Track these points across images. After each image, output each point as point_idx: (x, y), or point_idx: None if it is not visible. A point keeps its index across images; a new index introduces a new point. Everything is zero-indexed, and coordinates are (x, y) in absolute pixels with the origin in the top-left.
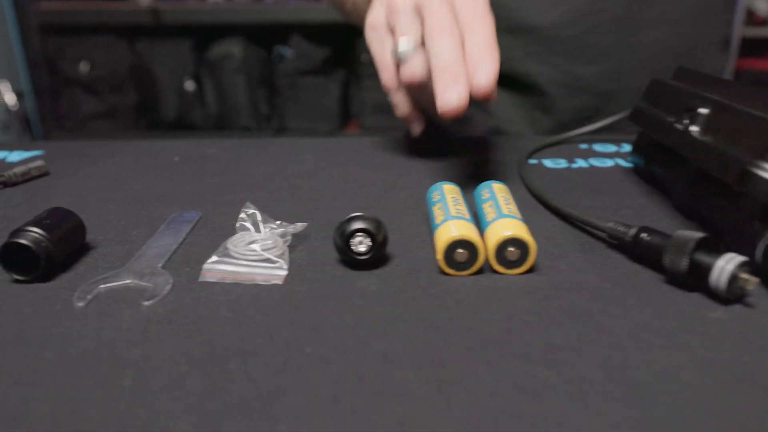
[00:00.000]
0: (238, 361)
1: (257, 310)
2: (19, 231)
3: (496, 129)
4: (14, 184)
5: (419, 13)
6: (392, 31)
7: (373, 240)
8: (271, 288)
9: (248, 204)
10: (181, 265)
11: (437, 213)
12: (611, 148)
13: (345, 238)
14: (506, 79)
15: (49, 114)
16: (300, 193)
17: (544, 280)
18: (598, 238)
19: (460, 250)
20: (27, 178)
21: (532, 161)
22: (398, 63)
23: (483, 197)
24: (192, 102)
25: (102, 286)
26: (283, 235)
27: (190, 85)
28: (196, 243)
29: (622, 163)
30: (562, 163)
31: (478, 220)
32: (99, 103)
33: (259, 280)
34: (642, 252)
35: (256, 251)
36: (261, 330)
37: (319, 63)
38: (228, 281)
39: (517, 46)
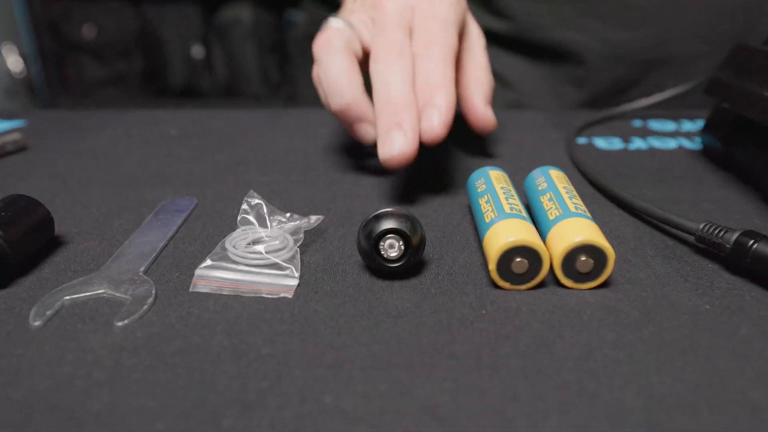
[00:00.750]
0: (236, 416)
1: (262, 337)
2: None
3: (517, 104)
4: None
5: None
6: None
7: (407, 243)
8: (279, 304)
9: (252, 192)
10: (169, 269)
11: (485, 208)
12: (670, 125)
13: (373, 240)
14: (532, 48)
15: (55, 80)
16: (315, 177)
17: (624, 298)
18: (680, 240)
19: (518, 259)
20: (1, 152)
21: (582, 140)
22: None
23: (539, 187)
24: (200, 69)
25: (67, 297)
26: (294, 233)
27: (198, 51)
28: (188, 239)
29: (686, 144)
30: (616, 143)
31: (534, 218)
32: (105, 69)
33: (264, 293)
34: (752, 265)
35: (260, 254)
36: (266, 367)
37: None
38: (225, 292)
39: (546, 11)
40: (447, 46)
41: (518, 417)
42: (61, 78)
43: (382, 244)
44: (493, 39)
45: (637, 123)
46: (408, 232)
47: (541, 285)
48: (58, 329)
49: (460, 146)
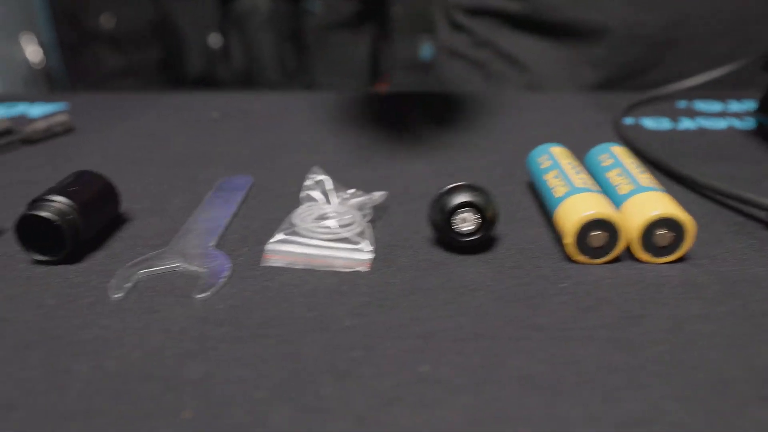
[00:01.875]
0: (333, 385)
1: (344, 309)
2: (39, 201)
3: (531, 86)
4: (34, 142)
5: None
6: None
7: (482, 217)
8: (355, 277)
9: (315, 168)
10: (237, 245)
11: (554, 183)
12: (716, 106)
13: (446, 214)
14: (549, 28)
15: (73, 70)
16: (366, 156)
17: (703, 272)
18: (749, 216)
19: (596, 233)
20: (49, 134)
21: (628, 120)
22: None
23: (602, 163)
24: (217, 57)
25: (142, 271)
26: (361, 208)
27: (215, 40)
28: (251, 216)
29: (737, 123)
30: (665, 123)
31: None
32: (122, 59)
33: (338, 266)
34: None
35: (331, 228)
36: (354, 338)
37: (348, 17)
38: (298, 266)
39: None
40: None
41: (620, 387)
42: (78, 68)
43: (455, 217)
44: (509, 20)
45: (682, 104)
46: (483, 206)
47: (616, 259)
48: (138, 302)
49: (508, 127)
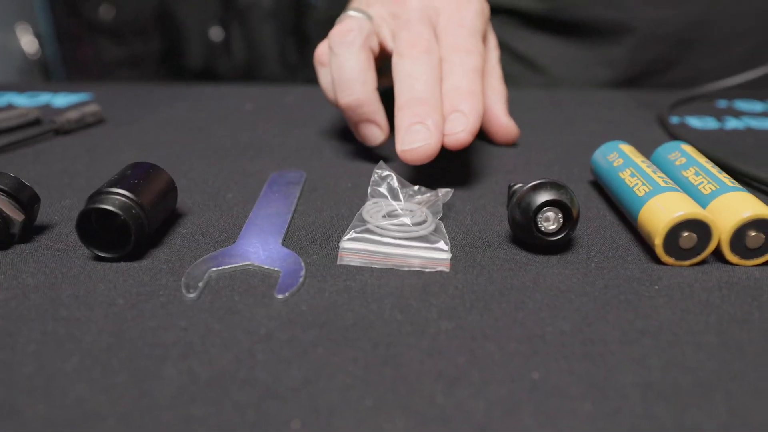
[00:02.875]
0: (446, 392)
1: (436, 311)
2: (101, 194)
3: (546, 86)
4: (67, 132)
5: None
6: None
7: (567, 216)
8: (438, 277)
9: (381, 164)
10: (306, 242)
11: (632, 182)
12: (757, 106)
13: (530, 213)
14: (568, 28)
15: (70, 61)
16: None
17: None
18: None
19: (686, 234)
20: (81, 125)
21: (674, 119)
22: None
23: (675, 162)
24: (218, 51)
25: (214, 269)
26: (431, 206)
27: (216, 33)
28: (310, 212)
29: None
30: (710, 123)
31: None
32: (122, 50)
33: (417, 266)
34: None
35: (406, 226)
36: (455, 342)
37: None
38: (374, 265)
39: None
40: (476, 54)
41: (746, 394)
42: (76, 59)
43: (540, 216)
44: (526, 19)
45: (722, 103)
46: (568, 204)
47: (702, 261)
48: (214, 301)
49: (552, 124)
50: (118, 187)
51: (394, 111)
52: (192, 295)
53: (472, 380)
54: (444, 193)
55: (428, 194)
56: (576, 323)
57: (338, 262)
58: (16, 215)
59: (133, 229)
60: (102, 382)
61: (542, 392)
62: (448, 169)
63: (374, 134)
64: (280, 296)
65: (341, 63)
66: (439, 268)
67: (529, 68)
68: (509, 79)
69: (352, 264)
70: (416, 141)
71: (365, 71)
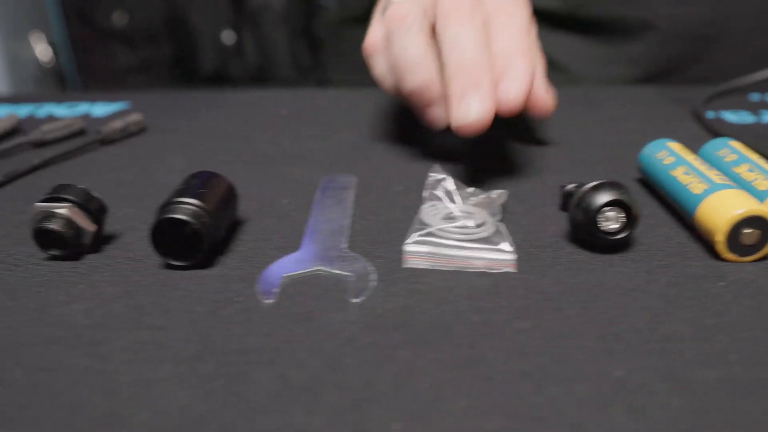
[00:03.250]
0: (535, 392)
1: (510, 311)
2: (172, 204)
3: (564, 84)
4: (112, 141)
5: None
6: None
7: (628, 215)
8: (505, 278)
9: (435, 167)
10: (368, 246)
11: (687, 180)
12: None
13: (591, 212)
14: (587, 26)
15: (85, 68)
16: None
17: None
18: None
19: (748, 230)
20: (125, 134)
21: (709, 114)
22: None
23: (725, 159)
24: (230, 54)
25: (285, 274)
26: (489, 207)
27: (228, 37)
28: (368, 216)
29: None
30: (746, 117)
31: None
32: (134, 56)
33: (482, 267)
34: None
35: (469, 228)
36: (534, 342)
37: (362, 12)
38: (440, 267)
39: None
40: (523, 18)
41: None
42: (90, 66)
43: (600, 216)
44: (544, 18)
45: (755, 96)
46: (629, 203)
47: (764, 257)
48: (291, 307)
49: (588, 122)
50: (188, 197)
51: (444, 79)
52: (269, 301)
53: (558, 379)
54: (498, 194)
55: (482, 196)
56: (648, 321)
57: (403, 265)
58: (88, 226)
59: (205, 237)
60: (200, 389)
61: (629, 389)
62: (494, 170)
63: (440, 116)
64: (355, 300)
65: (405, 47)
66: (505, 269)
67: (548, 66)
68: None
69: (418, 267)
70: (470, 114)
71: (428, 53)
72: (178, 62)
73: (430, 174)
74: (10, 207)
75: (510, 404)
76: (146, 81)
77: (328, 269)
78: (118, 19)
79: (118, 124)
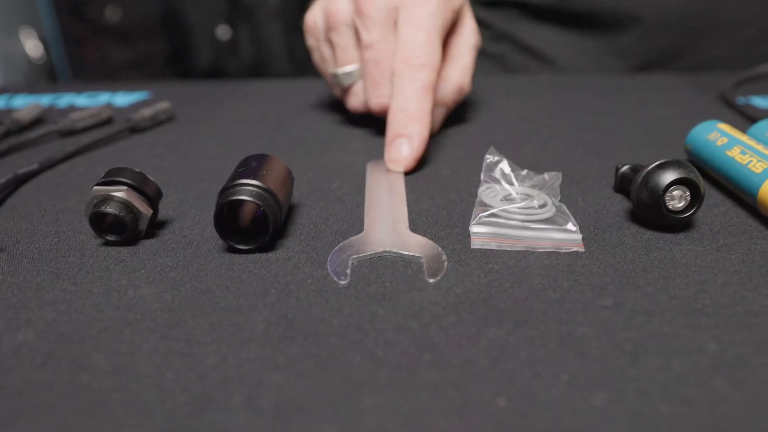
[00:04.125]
0: (636, 366)
1: (589, 289)
2: (235, 186)
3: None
4: (143, 130)
5: (355, 31)
6: (330, 44)
7: (694, 193)
8: (576, 257)
9: (492, 150)
10: (431, 228)
11: (745, 159)
12: None
13: (659, 192)
14: (576, 18)
15: (77, 64)
16: (510, 136)
17: None
18: None
19: None
20: (155, 122)
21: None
22: (339, 85)
23: None
24: (226, 49)
25: (354, 256)
26: (547, 188)
27: (223, 32)
28: (422, 199)
29: None
30: None
31: None
32: (128, 52)
33: (550, 247)
34: None
35: (533, 208)
36: (623, 318)
37: None
38: (508, 248)
39: None
40: (427, 69)
41: None
42: (82, 61)
43: (667, 195)
44: (532, 11)
45: None
46: (696, 182)
47: None
48: (367, 287)
49: (617, 109)
50: (250, 178)
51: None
52: (344, 282)
53: (652, 354)
54: (552, 176)
55: (537, 178)
56: (730, 296)
57: (472, 246)
58: (146, 210)
59: (271, 219)
60: (292, 370)
61: (726, 362)
62: (541, 154)
63: (359, 105)
64: (431, 280)
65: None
66: (574, 249)
67: (537, 60)
68: (514, 70)
69: (485, 247)
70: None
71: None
72: (173, 58)
73: (487, 156)
74: (51, 194)
75: (611, 379)
76: (141, 77)
77: (396, 251)
78: (111, 14)
79: (147, 112)
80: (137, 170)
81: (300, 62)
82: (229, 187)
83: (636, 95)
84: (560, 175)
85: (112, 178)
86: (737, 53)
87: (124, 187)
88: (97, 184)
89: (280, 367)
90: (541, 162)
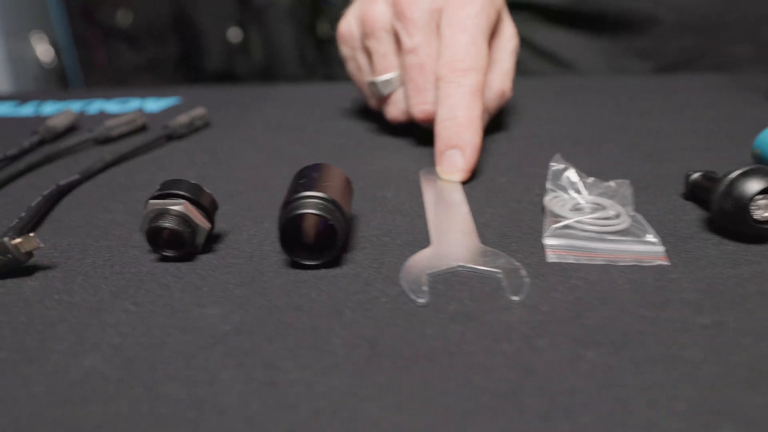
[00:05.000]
0: (757, 392)
1: (683, 306)
2: (299, 200)
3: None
4: (180, 137)
5: (395, 36)
6: (367, 52)
7: None
8: (660, 272)
9: (557, 157)
10: (500, 240)
11: None
12: None
13: (744, 201)
14: (593, 20)
15: (88, 68)
16: (558, 141)
17: None
18: None
19: None
20: (192, 129)
21: None
22: (377, 94)
23: None
24: (236, 52)
25: (428, 272)
26: (618, 197)
27: (234, 34)
28: (485, 210)
29: None
30: None
31: None
32: (139, 55)
33: (631, 260)
34: None
35: (609, 219)
36: (723, 339)
37: None
38: (588, 261)
39: None
40: (474, 72)
41: None
42: (93, 65)
43: (753, 204)
44: (548, 14)
45: None
46: None
47: None
48: (446, 306)
49: (674, 112)
50: (315, 190)
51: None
52: (422, 301)
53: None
54: (620, 183)
55: (603, 186)
56: None
57: (547, 260)
58: (204, 224)
59: (340, 233)
60: (386, 399)
61: None
62: (598, 160)
63: (399, 115)
64: (515, 298)
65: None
66: (657, 262)
67: (553, 63)
68: (530, 75)
69: (564, 261)
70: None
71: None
72: (184, 61)
73: (552, 164)
74: (95, 205)
75: (732, 408)
76: (151, 80)
77: (470, 266)
78: (122, 17)
79: (184, 118)
80: (193, 182)
81: (310, 64)
82: (293, 200)
83: (676, 96)
84: (628, 183)
85: (168, 191)
86: (759, 52)
87: (182, 201)
88: (153, 198)
89: (372, 397)
90: (599, 169)
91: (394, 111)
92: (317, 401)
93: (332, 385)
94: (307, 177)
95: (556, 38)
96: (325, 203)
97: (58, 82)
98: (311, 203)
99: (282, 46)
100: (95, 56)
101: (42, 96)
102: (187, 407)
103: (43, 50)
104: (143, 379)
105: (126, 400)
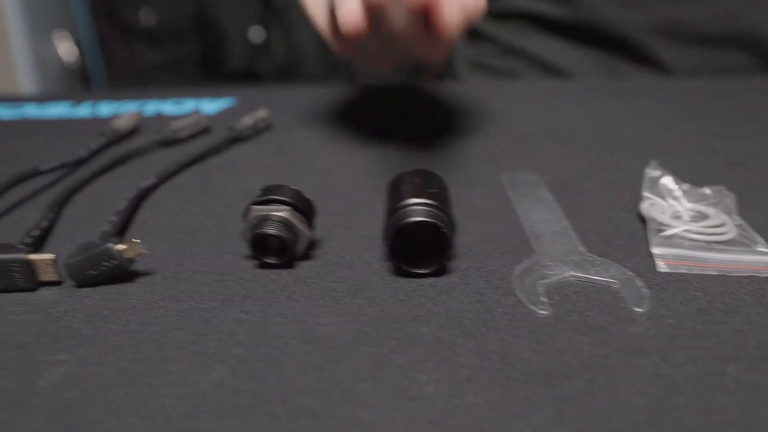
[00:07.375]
0: None
1: None
2: (410, 206)
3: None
4: (246, 139)
5: None
6: None
7: None
8: None
9: (652, 162)
10: (604, 248)
11: None
12: None
13: None
14: (583, 29)
15: (110, 66)
16: (632, 144)
17: None
18: None
19: None
20: (255, 131)
21: None
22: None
23: None
24: (258, 51)
25: (540, 281)
26: (721, 204)
27: (256, 34)
28: (579, 216)
29: None
30: None
31: None
32: (161, 54)
33: (748, 270)
34: None
35: (719, 227)
36: None
37: None
38: (701, 272)
39: None
40: None
41: None
42: (116, 65)
43: None
44: (542, 24)
45: None
46: None
47: None
48: (567, 317)
49: (724, 115)
50: (425, 198)
51: None
52: (546, 312)
53: None
54: (715, 191)
55: (698, 192)
56: None
57: (657, 269)
58: (307, 230)
59: (450, 241)
60: (543, 415)
61: None
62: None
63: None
64: (639, 310)
65: None
66: None
67: (550, 73)
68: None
69: (675, 271)
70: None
71: None
72: (206, 60)
73: (647, 170)
74: (177, 209)
75: None
76: (173, 79)
77: (582, 275)
78: (146, 17)
79: (248, 120)
80: (293, 187)
81: (332, 63)
82: (399, 208)
83: (738, 99)
84: (724, 189)
85: (270, 197)
86: (762, 58)
87: (286, 207)
88: (255, 203)
89: (519, 414)
90: (686, 174)
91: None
92: (460, 417)
93: (472, 400)
94: (410, 183)
95: (551, 47)
96: (437, 211)
97: (81, 81)
98: (422, 211)
99: (304, 46)
100: (118, 55)
101: (94, 96)
102: (329, 423)
103: (65, 49)
104: (276, 392)
105: (264, 414)
